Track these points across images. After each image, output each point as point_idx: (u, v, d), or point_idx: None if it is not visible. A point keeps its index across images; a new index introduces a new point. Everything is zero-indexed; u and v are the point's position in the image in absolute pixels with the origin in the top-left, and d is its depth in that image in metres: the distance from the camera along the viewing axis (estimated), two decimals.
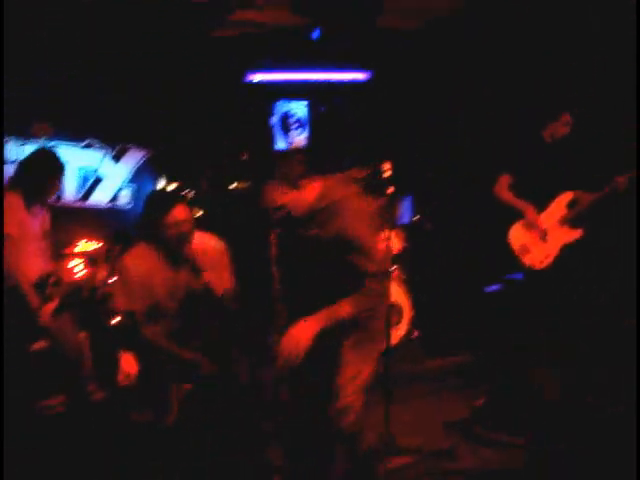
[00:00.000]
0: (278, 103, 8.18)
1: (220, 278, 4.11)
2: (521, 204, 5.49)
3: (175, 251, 3.98)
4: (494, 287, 6.57)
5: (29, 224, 5.02)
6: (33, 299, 4.87)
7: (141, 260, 4.01)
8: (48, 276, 4.95)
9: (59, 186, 5.37)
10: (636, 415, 4.19)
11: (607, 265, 5.45)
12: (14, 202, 4.93)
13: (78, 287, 5.05)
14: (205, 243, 4.15)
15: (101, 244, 6.05)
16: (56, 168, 5.20)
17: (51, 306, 4.94)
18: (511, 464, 4.23)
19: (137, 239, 4.18)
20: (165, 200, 4.02)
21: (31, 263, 4.98)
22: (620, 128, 5.62)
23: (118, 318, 3.95)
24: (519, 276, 5.67)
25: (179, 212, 3.91)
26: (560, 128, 5.41)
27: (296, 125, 8.23)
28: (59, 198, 6.71)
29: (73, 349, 5.17)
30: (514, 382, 5.00)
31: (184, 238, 3.94)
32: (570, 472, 3.98)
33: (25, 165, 5.18)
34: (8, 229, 4.81)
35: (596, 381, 4.82)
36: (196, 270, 3.99)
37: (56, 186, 5.28)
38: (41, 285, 4.91)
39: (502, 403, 4.85)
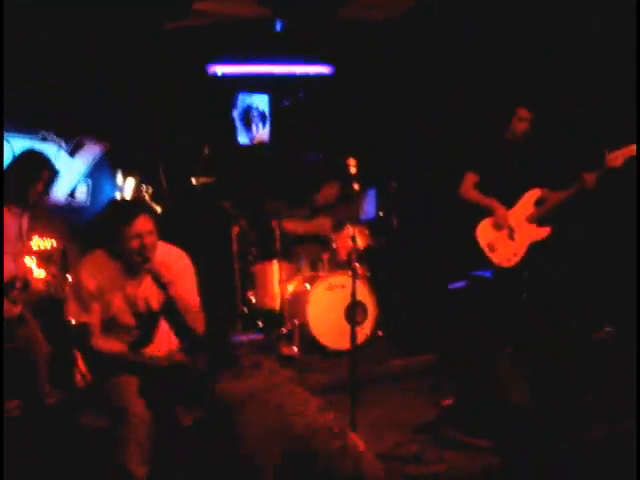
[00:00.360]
0: (240, 96, 8.05)
1: (185, 292, 3.92)
2: (489, 202, 5.41)
3: (136, 263, 3.79)
4: (459, 284, 6.52)
5: (6, 225, 4.80)
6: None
7: (97, 271, 3.81)
8: (15, 279, 4.73)
9: (44, 188, 5.03)
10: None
11: (575, 263, 5.40)
12: None
13: (43, 296, 4.85)
14: (169, 255, 3.94)
15: (55, 242, 5.88)
16: (38, 170, 4.94)
17: (15, 310, 4.74)
18: (480, 468, 4.08)
19: (94, 245, 3.98)
20: (128, 210, 3.82)
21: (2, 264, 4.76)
22: (591, 125, 5.57)
23: (72, 322, 3.78)
24: (486, 273, 5.61)
25: (142, 223, 3.72)
26: (518, 124, 5.33)
27: (258, 119, 8.10)
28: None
29: (32, 350, 4.96)
30: (482, 382, 4.90)
31: (146, 250, 3.74)
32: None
33: (9, 165, 4.99)
34: None
35: (565, 382, 4.74)
36: (160, 284, 3.78)
37: (38, 188, 4.96)
38: (7, 288, 4.68)
39: (470, 403, 4.74)
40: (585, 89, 5.79)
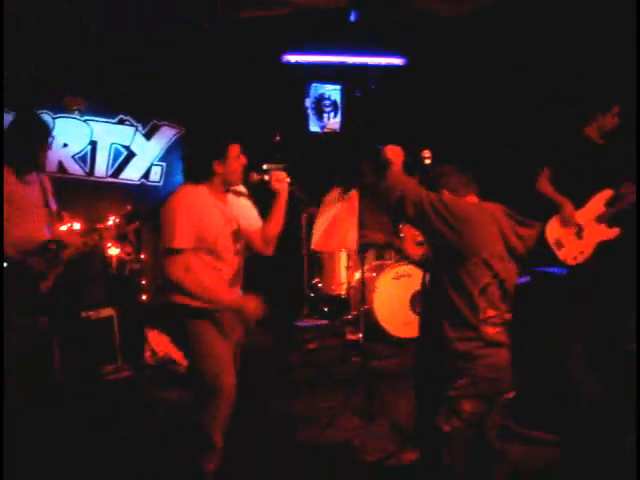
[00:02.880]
0: (313, 85, 8.13)
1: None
2: (559, 198, 5.37)
3: (233, 183, 3.84)
4: (523, 279, 6.46)
5: (22, 194, 4.66)
6: (38, 266, 4.59)
7: (194, 199, 3.70)
8: (48, 243, 4.63)
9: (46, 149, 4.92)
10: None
11: None
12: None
13: (80, 249, 4.73)
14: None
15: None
16: (38, 132, 4.82)
17: (54, 273, 4.67)
18: (543, 463, 4.06)
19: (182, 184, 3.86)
20: (223, 138, 3.85)
21: (32, 231, 4.64)
22: None
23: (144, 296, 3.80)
24: (552, 269, 5.58)
25: (236, 147, 3.80)
26: (611, 120, 5.27)
27: (330, 109, 8.17)
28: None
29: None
30: (548, 375, 4.86)
31: (242, 172, 3.83)
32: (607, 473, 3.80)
33: (8, 134, 4.77)
34: None
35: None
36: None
37: (45, 151, 4.86)
38: (42, 252, 4.60)
39: (535, 396, 4.69)
40: None
